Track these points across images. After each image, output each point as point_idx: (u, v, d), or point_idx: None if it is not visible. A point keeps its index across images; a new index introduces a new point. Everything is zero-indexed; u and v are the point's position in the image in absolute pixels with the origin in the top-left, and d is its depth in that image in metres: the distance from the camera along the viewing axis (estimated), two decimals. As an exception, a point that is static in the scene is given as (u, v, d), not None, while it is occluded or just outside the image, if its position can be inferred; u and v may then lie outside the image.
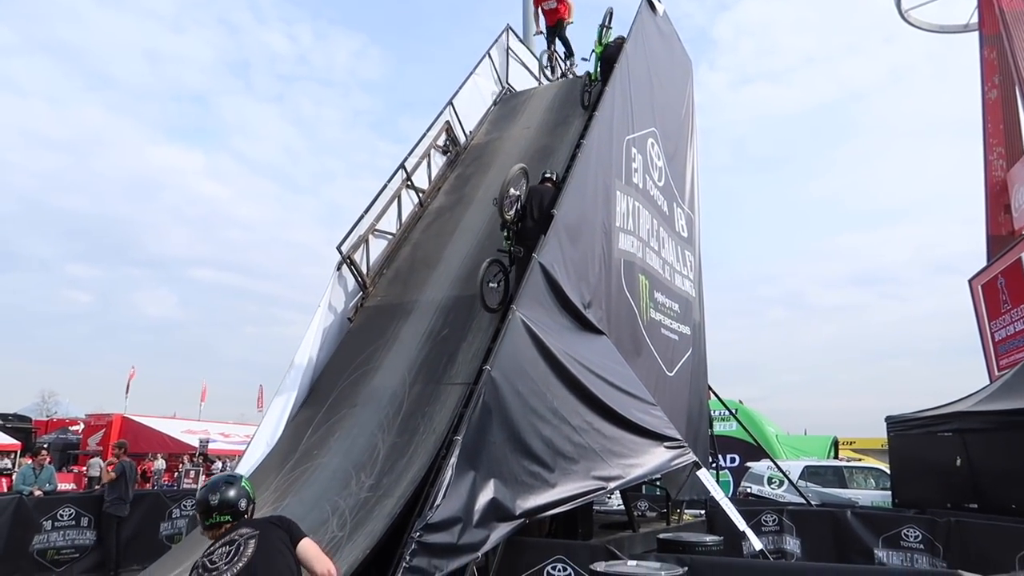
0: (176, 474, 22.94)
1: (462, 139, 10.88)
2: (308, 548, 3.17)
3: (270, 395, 7.81)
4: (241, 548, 3.01)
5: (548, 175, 8.04)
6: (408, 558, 4.59)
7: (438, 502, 4.86)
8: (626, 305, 8.67)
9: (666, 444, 6.66)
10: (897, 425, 12.45)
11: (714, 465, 10.33)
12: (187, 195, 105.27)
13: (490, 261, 7.25)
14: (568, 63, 12.70)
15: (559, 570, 5.30)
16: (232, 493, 3.17)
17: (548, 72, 12.75)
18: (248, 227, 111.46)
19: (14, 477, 12.55)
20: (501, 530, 5.24)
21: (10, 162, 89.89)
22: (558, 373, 6.33)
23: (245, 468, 6.51)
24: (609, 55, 10.13)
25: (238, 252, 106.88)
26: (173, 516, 10.83)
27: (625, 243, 8.84)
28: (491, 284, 7.19)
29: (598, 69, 10.39)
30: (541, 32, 12.94)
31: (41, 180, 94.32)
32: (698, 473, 6.88)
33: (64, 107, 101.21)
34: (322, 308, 8.03)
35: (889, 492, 13.10)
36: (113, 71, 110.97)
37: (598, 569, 4.56)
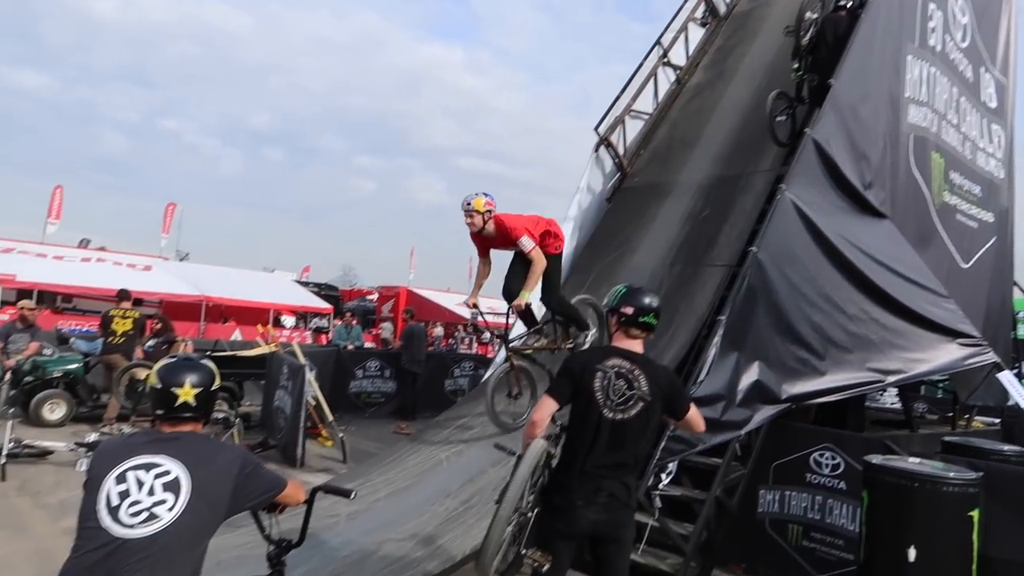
0: (451, 341, 25.98)
1: (723, 8, 10.03)
2: (690, 418, 3.34)
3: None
4: (631, 402, 3.13)
5: (842, 2, 7.29)
6: (672, 428, 4.81)
7: (701, 378, 4.97)
8: (914, 187, 7.65)
9: (959, 340, 5.98)
10: None
11: (1017, 371, 9.02)
12: (450, 88, 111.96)
13: (776, 94, 6.89)
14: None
15: (827, 458, 5.18)
16: (655, 304, 3.32)
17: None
18: (505, 116, 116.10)
19: (331, 334, 15.13)
20: (765, 412, 5.23)
21: (305, 68, 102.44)
22: (832, 258, 5.91)
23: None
24: None
25: (497, 141, 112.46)
26: (455, 375, 12.46)
27: (916, 116, 7.69)
28: (779, 118, 6.86)
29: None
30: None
31: (330, 82, 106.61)
32: (999, 375, 6.12)
33: (344, 15, 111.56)
34: (581, 190, 8.26)
35: None
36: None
37: (873, 461, 4.37)
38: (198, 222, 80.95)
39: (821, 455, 5.19)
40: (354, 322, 13.66)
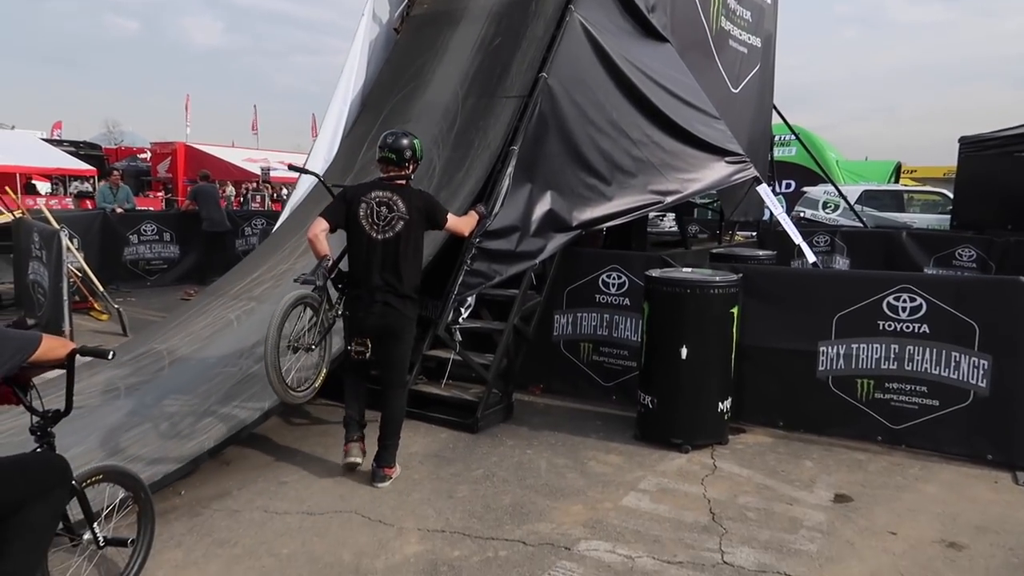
0: (242, 199, 24.03)
1: None
2: (451, 224, 4.22)
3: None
4: (393, 222, 3.89)
5: None
6: (469, 262, 4.80)
7: (496, 210, 4.93)
8: (693, 11, 7.87)
9: (727, 159, 6.45)
10: (971, 146, 11.81)
11: (772, 188, 10.16)
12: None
13: None
14: None
15: (614, 278, 5.51)
16: (402, 142, 3.99)
17: None
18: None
19: (96, 197, 13.30)
20: (558, 240, 5.38)
21: None
22: (618, 82, 5.97)
23: (306, 184, 6.65)
24: None
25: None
26: (246, 233, 11.57)
27: (696, -63, 7.74)
28: None
29: None
30: None
31: None
32: (758, 188, 6.75)
33: None
34: (366, 18, 7.51)
35: (947, 217, 12.92)
36: None
37: (652, 274, 4.70)
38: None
39: (608, 275, 5.50)
40: (120, 182, 12.01)
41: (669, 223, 13.16)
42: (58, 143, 25.11)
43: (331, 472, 4.15)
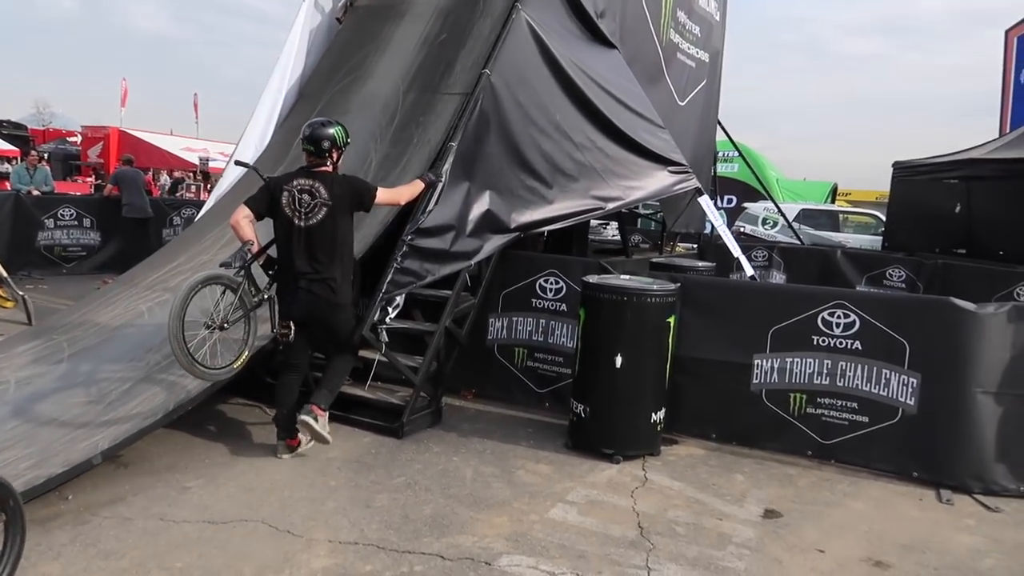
0: (171, 186, 23.05)
1: None
2: (384, 198, 4.21)
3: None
4: (316, 209, 3.88)
5: None
6: (399, 259, 4.59)
7: (430, 208, 4.74)
8: (643, 21, 7.84)
9: (670, 168, 6.41)
10: (904, 171, 12.20)
11: (714, 202, 10.28)
12: None
13: None
14: None
15: (551, 283, 5.38)
16: (319, 133, 3.95)
17: None
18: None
19: (11, 177, 12.49)
20: (495, 242, 5.21)
21: None
22: (563, 85, 5.86)
23: (233, 172, 6.31)
24: None
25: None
26: (174, 223, 11.03)
27: (649, -52, 7.73)
28: None
29: None
30: None
31: None
32: (699, 199, 6.75)
33: None
34: (306, 5, 7.21)
35: (880, 238, 13.31)
36: None
37: (590, 280, 4.57)
38: None
39: (546, 280, 5.36)
40: (39, 162, 11.30)
41: (612, 231, 13.18)
42: (-22, 121, 23.72)
43: (241, 478, 3.87)
